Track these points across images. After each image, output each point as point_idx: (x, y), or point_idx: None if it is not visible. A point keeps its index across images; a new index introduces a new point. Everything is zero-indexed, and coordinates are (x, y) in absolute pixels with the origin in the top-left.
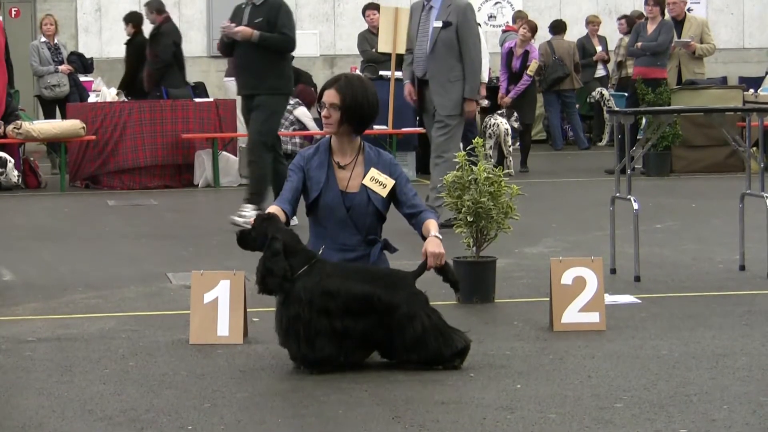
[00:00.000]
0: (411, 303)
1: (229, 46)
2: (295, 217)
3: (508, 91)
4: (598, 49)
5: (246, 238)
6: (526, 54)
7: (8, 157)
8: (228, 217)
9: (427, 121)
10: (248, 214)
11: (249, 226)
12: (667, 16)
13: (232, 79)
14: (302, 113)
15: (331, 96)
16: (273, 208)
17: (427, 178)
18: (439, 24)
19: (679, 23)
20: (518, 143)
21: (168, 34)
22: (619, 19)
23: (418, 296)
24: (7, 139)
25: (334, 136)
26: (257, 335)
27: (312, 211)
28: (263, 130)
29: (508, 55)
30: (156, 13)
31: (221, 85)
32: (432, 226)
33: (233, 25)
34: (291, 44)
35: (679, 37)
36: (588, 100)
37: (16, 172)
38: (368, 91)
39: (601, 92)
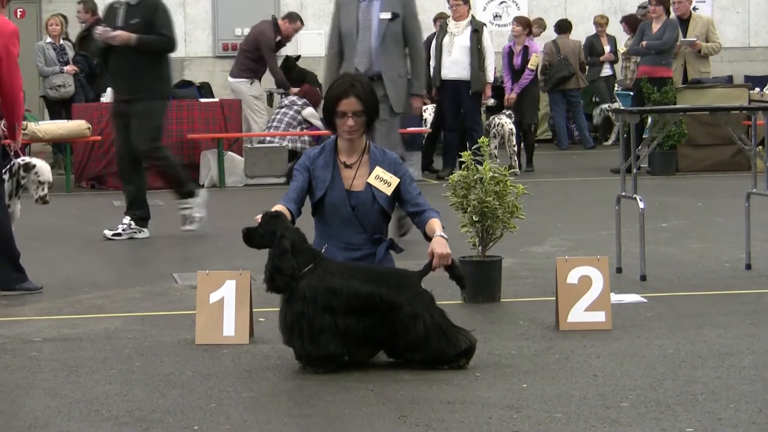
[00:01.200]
0: (414, 303)
1: (104, 52)
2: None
3: (512, 91)
4: (607, 48)
5: (252, 236)
6: (526, 50)
7: (36, 162)
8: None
9: None
10: (196, 206)
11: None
12: (672, 14)
13: (237, 80)
14: (310, 114)
15: (352, 104)
16: (279, 207)
17: (433, 177)
18: (387, 16)
19: (684, 22)
20: (522, 143)
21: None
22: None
23: (422, 296)
24: None
25: (340, 137)
26: (263, 335)
27: (317, 210)
28: (153, 136)
29: (509, 55)
30: (91, 13)
31: (226, 84)
32: (436, 225)
33: (109, 29)
34: (171, 45)
35: (685, 35)
36: (594, 122)
37: (41, 191)
38: (370, 85)
39: (601, 110)
